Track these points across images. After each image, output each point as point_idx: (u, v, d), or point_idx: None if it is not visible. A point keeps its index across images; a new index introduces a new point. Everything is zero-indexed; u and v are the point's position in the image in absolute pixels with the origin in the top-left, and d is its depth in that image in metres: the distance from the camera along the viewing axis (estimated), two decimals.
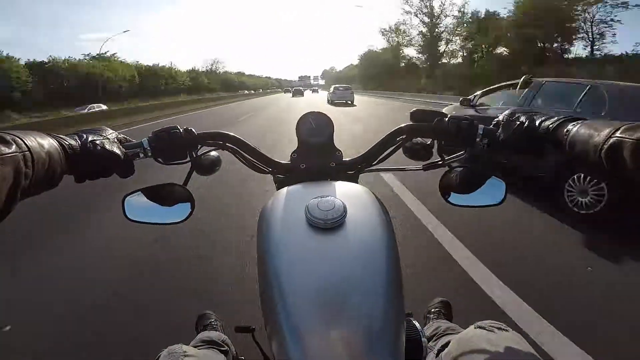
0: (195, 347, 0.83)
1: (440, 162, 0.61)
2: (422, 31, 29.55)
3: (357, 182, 0.60)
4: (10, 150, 0.34)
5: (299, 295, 0.36)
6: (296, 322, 0.34)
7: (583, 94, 2.98)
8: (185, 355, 0.61)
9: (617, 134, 0.38)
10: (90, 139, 0.48)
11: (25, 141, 0.37)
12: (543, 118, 0.51)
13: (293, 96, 36.93)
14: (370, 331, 0.34)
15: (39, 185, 0.39)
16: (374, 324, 0.35)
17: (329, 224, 0.42)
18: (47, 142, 0.41)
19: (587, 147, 0.42)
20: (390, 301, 0.37)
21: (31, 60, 26.83)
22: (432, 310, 1.26)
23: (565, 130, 0.46)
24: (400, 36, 34.27)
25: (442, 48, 30.09)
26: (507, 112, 0.56)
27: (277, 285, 0.38)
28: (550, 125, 0.49)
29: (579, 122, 0.46)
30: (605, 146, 0.39)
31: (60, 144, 0.43)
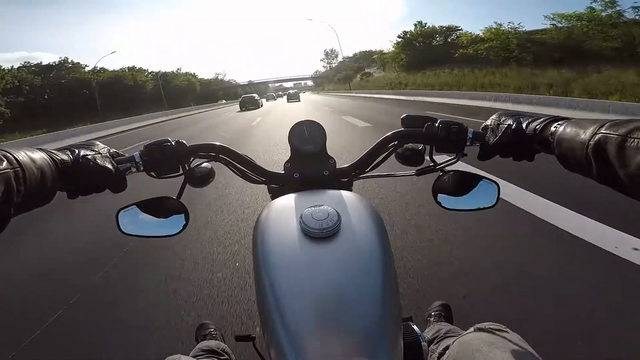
0: (194, 356, 0.83)
1: (433, 167, 0.61)
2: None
3: (350, 190, 0.60)
4: (1, 167, 0.34)
5: (295, 304, 0.37)
6: (294, 330, 0.35)
7: None
8: None
9: (602, 130, 0.38)
10: (82, 153, 0.47)
11: (17, 157, 0.36)
12: (529, 120, 0.51)
13: (241, 109, 24.49)
14: (367, 337, 0.34)
15: (32, 201, 0.39)
16: (371, 330, 0.35)
17: (324, 233, 0.42)
18: (39, 157, 0.40)
19: (573, 145, 0.41)
20: (386, 307, 0.37)
21: None
22: (432, 313, 1.26)
23: (551, 130, 0.46)
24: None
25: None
26: (494, 116, 0.56)
27: (274, 295, 0.38)
28: (537, 127, 0.49)
29: (565, 121, 0.46)
30: (592, 143, 0.38)
31: (52, 159, 0.43)
